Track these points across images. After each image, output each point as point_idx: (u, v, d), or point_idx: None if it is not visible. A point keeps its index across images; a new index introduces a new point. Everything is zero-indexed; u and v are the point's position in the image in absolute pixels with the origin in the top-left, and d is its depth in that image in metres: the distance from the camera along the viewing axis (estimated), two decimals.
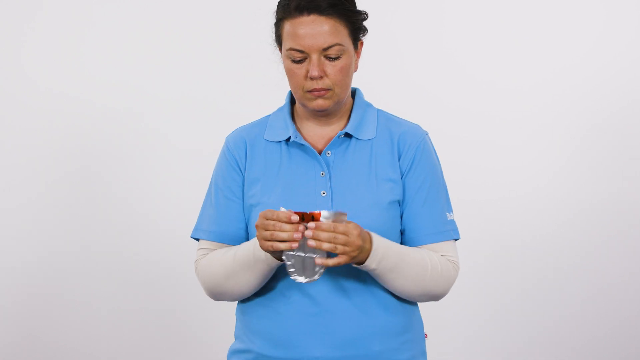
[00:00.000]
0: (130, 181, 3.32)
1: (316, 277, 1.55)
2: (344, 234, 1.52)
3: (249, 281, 1.67)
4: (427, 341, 1.87)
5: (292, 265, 1.55)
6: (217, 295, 1.75)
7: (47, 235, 3.30)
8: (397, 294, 1.69)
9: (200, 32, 3.32)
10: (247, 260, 1.64)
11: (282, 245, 1.52)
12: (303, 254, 1.55)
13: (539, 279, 3.32)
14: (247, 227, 1.76)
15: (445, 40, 3.33)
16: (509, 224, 3.31)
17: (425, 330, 1.85)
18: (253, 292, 1.71)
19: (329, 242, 1.51)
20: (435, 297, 1.73)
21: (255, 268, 1.64)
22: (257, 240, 1.58)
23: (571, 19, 3.29)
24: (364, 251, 1.57)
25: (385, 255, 1.61)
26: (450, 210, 1.77)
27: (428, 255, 1.68)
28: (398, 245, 1.66)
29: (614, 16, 3.27)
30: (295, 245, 1.52)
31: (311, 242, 1.51)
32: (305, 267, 1.55)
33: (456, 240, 1.76)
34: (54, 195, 3.31)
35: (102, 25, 3.31)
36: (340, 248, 1.52)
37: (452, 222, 1.76)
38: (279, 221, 1.52)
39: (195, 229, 1.80)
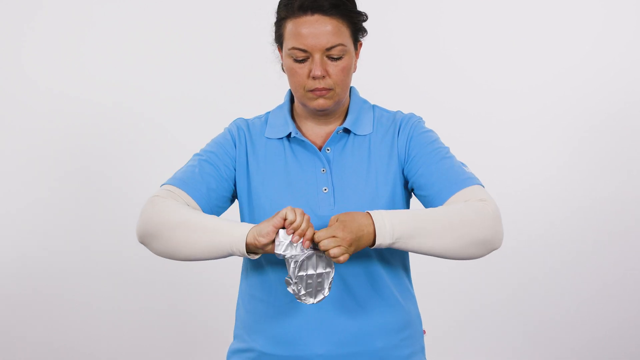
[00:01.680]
0: (131, 181, 3.32)
1: (326, 292, 1.54)
2: (333, 236, 1.52)
3: (196, 245, 1.59)
4: (426, 339, 1.87)
5: (302, 288, 1.53)
6: (147, 236, 1.64)
7: (48, 235, 3.30)
8: (441, 256, 1.61)
9: (200, 32, 3.33)
10: (221, 228, 1.58)
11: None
12: (314, 272, 1.54)
13: (537, 278, 3.32)
14: (222, 204, 1.74)
15: (443, 42, 3.34)
16: (506, 224, 3.31)
17: (425, 329, 1.86)
18: (183, 258, 1.63)
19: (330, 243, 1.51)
20: (487, 241, 1.61)
21: (220, 239, 1.57)
22: (252, 230, 1.55)
23: (569, 21, 3.30)
24: (364, 236, 1.54)
25: (396, 226, 1.56)
26: (465, 165, 1.73)
27: (447, 207, 1.62)
28: (407, 210, 1.61)
29: (612, 18, 3.28)
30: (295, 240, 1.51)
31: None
32: (316, 286, 1.54)
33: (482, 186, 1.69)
34: (55, 195, 3.31)
35: (102, 25, 3.31)
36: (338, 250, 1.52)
37: (471, 173, 1.71)
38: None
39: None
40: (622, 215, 3.29)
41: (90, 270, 3.32)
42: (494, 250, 1.63)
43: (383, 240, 1.55)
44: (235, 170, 1.76)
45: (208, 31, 3.33)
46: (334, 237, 1.51)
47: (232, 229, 1.57)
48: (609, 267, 3.30)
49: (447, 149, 1.74)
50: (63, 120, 3.30)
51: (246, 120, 1.83)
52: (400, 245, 1.57)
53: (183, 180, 1.71)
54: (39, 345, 3.32)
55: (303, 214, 1.52)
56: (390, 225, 1.55)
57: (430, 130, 1.77)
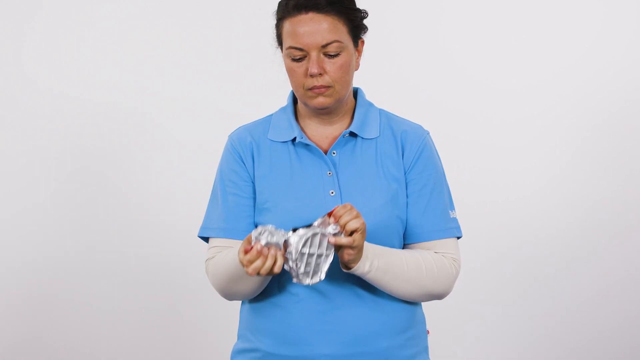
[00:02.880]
0: (132, 180, 3.32)
1: (322, 276, 1.54)
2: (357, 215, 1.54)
3: (251, 284, 1.67)
4: (430, 339, 1.87)
5: (302, 266, 1.52)
6: (228, 296, 1.74)
7: (50, 235, 3.30)
8: (397, 296, 1.69)
9: (200, 31, 3.32)
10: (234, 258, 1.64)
11: (276, 269, 1.50)
12: (315, 251, 1.52)
13: (542, 280, 3.31)
14: (255, 223, 1.75)
15: (443, 41, 3.33)
16: (510, 225, 3.31)
17: (429, 329, 1.86)
18: (261, 290, 1.71)
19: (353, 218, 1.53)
20: (438, 296, 1.73)
21: (254, 277, 1.63)
22: None
23: (570, 19, 3.29)
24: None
25: (376, 255, 1.61)
26: (452, 208, 1.78)
27: (420, 254, 1.69)
28: (386, 247, 1.66)
29: (613, 17, 3.27)
30: (277, 270, 1.50)
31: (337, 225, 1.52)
32: (314, 267, 1.53)
33: (459, 237, 1.76)
34: (56, 195, 3.30)
35: (102, 25, 3.31)
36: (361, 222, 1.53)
37: (455, 220, 1.77)
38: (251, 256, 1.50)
39: (203, 227, 1.78)
40: (625, 215, 3.28)
41: (90, 271, 3.31)
42: (432, 300, 1.76)
43: (362, 264, 1.59)
44: (253, 184, 1.76)
45: (208, 31, 3.32)
46: (355, 215, 1.53)
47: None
48: (614, 267, 3.29)
49: (444, 185, 1.77)
50: (64, 120, 3.29)
51: (245, 128, 1.81)
52: (369, 277, 1.62)
53: (221, 228, 1.75)
54: (39, 345, 3.31)
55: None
56: (372, 253, 1.61)
57: (436, 156, 1.78)
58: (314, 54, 1.64)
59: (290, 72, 1.68)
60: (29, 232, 3.30)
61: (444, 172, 1.80)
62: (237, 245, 1.71)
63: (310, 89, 1.67)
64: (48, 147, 3.29)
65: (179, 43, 3.32)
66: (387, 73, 3.27)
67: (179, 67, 3.32)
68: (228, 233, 1.74)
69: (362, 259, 1.59)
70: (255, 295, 1.73)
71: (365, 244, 1.62)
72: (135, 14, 3.31)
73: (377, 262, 1.61)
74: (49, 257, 3.30)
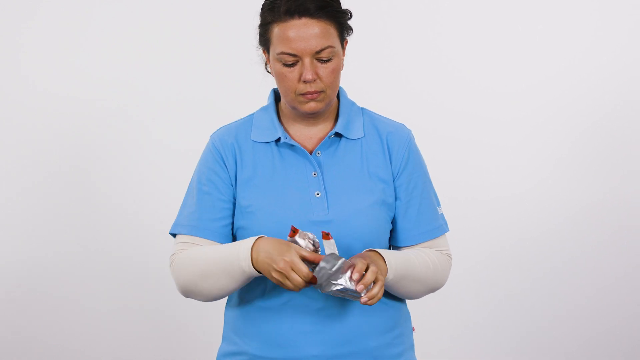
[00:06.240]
0: (124, 181, 3.29)
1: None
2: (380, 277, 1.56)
3: (226, 286, 1.64)
4: (420, 338, 1.88)
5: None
6: (189, 293, 1.71)
7: (39, 235, 3.28)
8: (404, 297, 1.73)
9: (194, 32, 3.29)
10: (230, 268, 1.61)
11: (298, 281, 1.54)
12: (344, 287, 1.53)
13: (532, 279, 3.32)
14: (232, 225, 1.74)
15: (436, 42, 3.32)
16: (501, 224, 3.32)
17: (414, 326, 1.87)
18: (225, 296, 1.70)
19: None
20: (436, 290, 1.78)
21: (236, 277, 1.62)
22: (249, 256, 1.58)
23: (564, 22, 3.29)
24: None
25: (397, 262, 1.64)
26: (438, 204, 1.80)
27: (427, 255, 1.71)
28: (400, 252, 1.68)
29: (607, 20, 3.27)
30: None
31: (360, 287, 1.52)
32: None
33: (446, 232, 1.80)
34: (47, 194, 3.28)
35: (97, 26, 3.27)
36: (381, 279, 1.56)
37: (442, 215, 1.79)
38: (302, 278, 1.52)
39: (175, 224, 1.75)
40: (617, 216, 3.28)
41: (79, 270, 3.29)
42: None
43: (388, 275, 1.62)
44: (232, 186, 1.74)
45: (203, 32, 3.29)
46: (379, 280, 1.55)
47: (237, 259, 1.60)
48: (604, 266, 3.29)
49: (430, 184, 1.79)
50: (55, 119, 3.27)
51: (227, 129, 1.79)
52: (388, 284, 1.65)
53: (193, 226, 1.72)
54: (33, 345, 3.31)
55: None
56: (395, 265, 1.63)
57: (420, 156, 1.79)
58: (307, 60, 1.63)
59: (281, 77, 1.66)
60: (20, 231, 3.28)
61: (427, 169, 1.80)
62: (203, 243, 1.70)
63: (303, 95, 1.66)
64: (40, 147, 3.27)
65: (174, 44, 3.30)
66: (378, 72, 3.27)
67: (175, 68, 3.30)
68: (198, 231, 1.71)
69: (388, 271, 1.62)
70: (217, 299, 1.71)
71: (385, 252, 1.63)
72: (130, 15, 3.29)
73: (398, 269, 1.64)
74: (41, 257, 3.29)
